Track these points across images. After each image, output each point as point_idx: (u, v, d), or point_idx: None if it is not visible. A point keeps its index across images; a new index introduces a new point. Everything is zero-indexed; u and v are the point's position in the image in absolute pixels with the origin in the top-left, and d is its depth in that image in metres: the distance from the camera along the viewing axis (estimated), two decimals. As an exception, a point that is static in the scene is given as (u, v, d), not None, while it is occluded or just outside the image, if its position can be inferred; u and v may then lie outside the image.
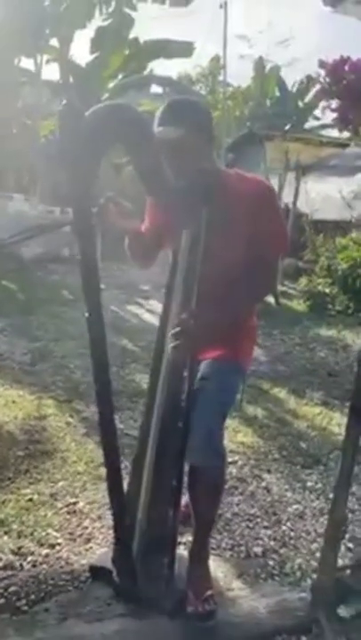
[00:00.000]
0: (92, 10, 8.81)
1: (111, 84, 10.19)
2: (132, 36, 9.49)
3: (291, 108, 14.24)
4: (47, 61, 9.59)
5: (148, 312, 5.62)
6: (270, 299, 5.94)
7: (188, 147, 1.43)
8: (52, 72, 11.07)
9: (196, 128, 1.45)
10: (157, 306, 5.76)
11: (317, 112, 14.79)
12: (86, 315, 1.39)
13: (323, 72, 7.24)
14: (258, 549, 1.89)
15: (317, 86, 9.72)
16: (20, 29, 8.21)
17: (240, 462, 2.49)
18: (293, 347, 4.68)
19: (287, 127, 11.60)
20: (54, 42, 9.46)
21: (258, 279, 1.56)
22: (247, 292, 1.55)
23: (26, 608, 1.54)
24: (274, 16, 46.88)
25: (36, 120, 9.53)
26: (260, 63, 14.60)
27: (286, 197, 6.99)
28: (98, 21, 9.08)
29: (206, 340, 1.50)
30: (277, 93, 14.93)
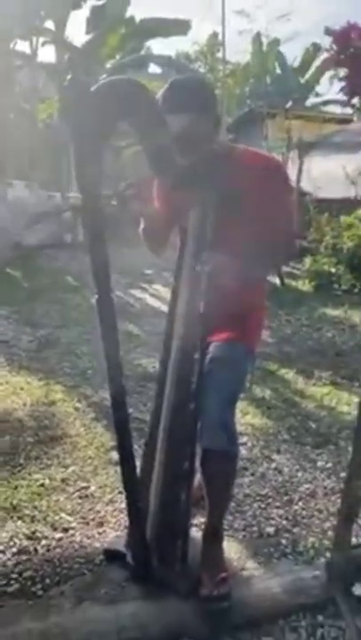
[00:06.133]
0: (87, -11, 8.61)
1: (109, 65, 10.02)
2: (128, 14, 9.29)
3: (292, 84, 13.95)
4: (43, 44, 9.40)
5: (152, 296, 5.59)
6: (275, 279, 5.90)
7: (194, 131, 1.40)
8: (47, 54, 10.88)
9: (201, 111, 1.42)
10: (162, 290, 5.79)
11: (319, 88, 14.51)
12: (95, 297, 1.37)
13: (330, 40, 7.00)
14: (270, 529, 1.89)
15: (323, 56, 9.46)
16: (15, 12, 8.05)
17: (249, 444, 2.49)
18: (300, 327, 4.66)
19: (288, 104, 11.38)
20: (50, 24, 9.27)
21: (269, 247, 1.52)
22: (258, 254, 1.50)
23: (41, 592, 1.54)
24: (272, -10, 45.67)
25: (33, 104, 9.39)
26: (257, 39, 14.27)
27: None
28: (92, 1, 8.88)
29: (218, 315, 1.47)
30: (278, 70, 14.62)
